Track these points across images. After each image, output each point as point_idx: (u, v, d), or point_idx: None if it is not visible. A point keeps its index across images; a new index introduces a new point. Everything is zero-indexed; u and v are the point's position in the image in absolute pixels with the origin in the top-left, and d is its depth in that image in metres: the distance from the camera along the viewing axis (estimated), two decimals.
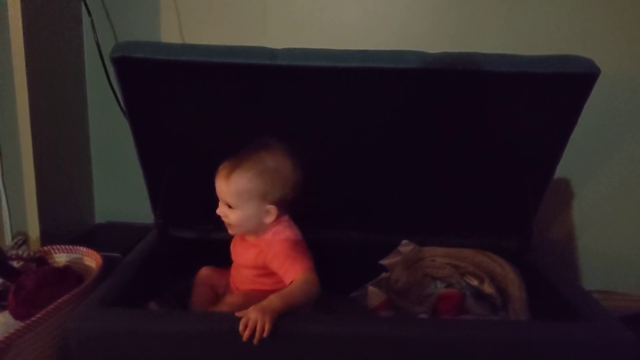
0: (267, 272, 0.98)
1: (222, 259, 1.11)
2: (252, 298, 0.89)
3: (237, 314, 0.81)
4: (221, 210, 1.00)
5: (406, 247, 1.19)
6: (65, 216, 1.39)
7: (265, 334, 0.78)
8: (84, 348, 0.83)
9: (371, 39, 1.36)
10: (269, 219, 0.97)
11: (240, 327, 0.79)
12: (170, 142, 1.11)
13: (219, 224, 1.18)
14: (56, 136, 1.33)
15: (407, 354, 0.83)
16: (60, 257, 1.17)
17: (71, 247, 1.17)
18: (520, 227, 1.19)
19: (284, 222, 1.00)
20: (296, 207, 1.12)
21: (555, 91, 0.99)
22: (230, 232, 1.02)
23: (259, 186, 0.95)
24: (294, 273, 0.91)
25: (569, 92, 0.98)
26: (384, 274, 1.19)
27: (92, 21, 1.32)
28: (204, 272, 1.09)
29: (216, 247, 1.19)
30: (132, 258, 1.09)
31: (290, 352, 0.83)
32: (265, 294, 0.87)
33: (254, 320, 0.78)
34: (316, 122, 1.04)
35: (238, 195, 0.95)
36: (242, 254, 1.02)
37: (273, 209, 0.97)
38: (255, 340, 0.78)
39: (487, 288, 1.07)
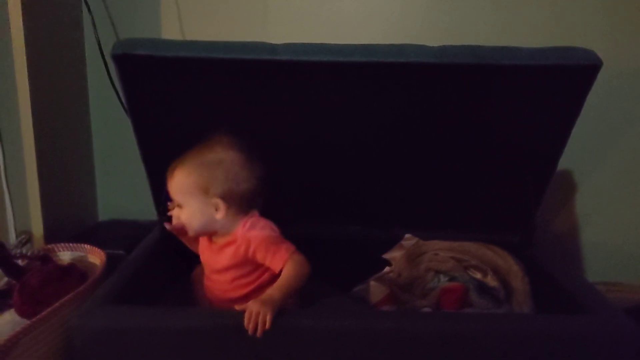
0: (246, 271, 0.96)
1: None
2: None
3: (238, 308, 0.81)
4: (174, 212, 0.99)
5: (409, 241, 1.19)
6: (68, 214, 1.39)
7: (267, 326, 0.78)
8: (89, 345, 0.84)
9: (371, 33, 1.36)
10: (219, 215, 0.95)
11: (245, 322, 0.79)
12: (172, 138, 1.11)
13: None
14: (58, 135, 1.34)
15: (411, 348, 0.83)
16: (64, 255, 1.17)
17: (75, 245, 1.18)
18: (523, 221, 1.18)
19: (254, 218, 0.97)
20: (300, 202, 1.12)
21: (556, 83, 0.99)
22: (189, 234, 1.00)
23: (197, 179, 0.94)
24: (281, 259, 0.91)
25: (570, 84, 0.98)
26: (386, 268, 1.19)
27: (92, 19, 1.32)
28: (200, 270, 1.08)
29: None
30: (135, 255, 1.09)
31: (293, 348, 0.83)
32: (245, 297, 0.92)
33: (256, 313, 0.79)
34: (318, 117, 1.04)
35: (181, 192, 0.95)
36: (215, 258, 0.99)
37: (220, 203, 0.94)
38: (258, 333, 0.79)
39: (491, 281, 1.07)
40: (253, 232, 0.95)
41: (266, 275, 0.96)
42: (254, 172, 0.96)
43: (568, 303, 0.96)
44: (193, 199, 0.95)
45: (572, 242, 1.49)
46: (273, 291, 0.84)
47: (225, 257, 0.97)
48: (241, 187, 0.95)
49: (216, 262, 0.99)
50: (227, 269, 0.97)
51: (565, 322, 0.85)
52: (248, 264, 0.96)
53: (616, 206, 1.46)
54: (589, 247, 1.49)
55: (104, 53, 1.33)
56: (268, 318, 0.79)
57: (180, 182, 0.95)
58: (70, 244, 1.18)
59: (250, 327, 0.79)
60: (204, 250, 1.02)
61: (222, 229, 0.97)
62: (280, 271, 0.91)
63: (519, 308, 1.02)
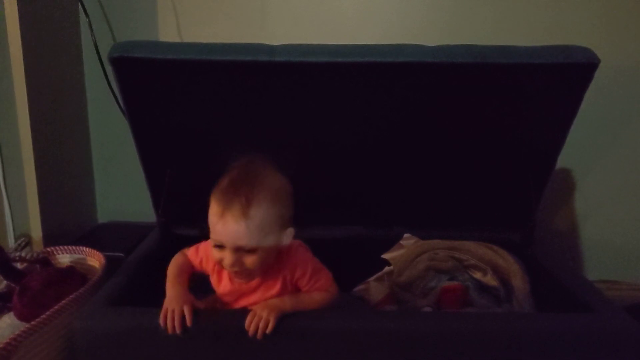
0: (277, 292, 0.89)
1: None
2: None
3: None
4: (235, 261, 0.80)
5: (408, 240, 1.19)
6: (67, 217, 1.39)
7: (268, 331, 0.78)
8: (90, 347, 0.84)
9: (370, 32, 1.36)
10: (286, 242, 0.86)
11: (247, 323, 0.79)
12: (170, 140, 1.11)
13: None
14: (57, 137, 1.33)
15: (411, 349, 0.83)
16: (64, 257, 1.17)
17: (74, 247, 1.18)
18: (523, 220, 1.18)
19: (294, 240, 0.90)
20: (299, 203, 1.12)
21: (555, 82, 0.99)
22: (243, 280, 0.88)
23: (280, 211, 0.82)
24: (321, 287, 0.89)
25: (568, 82, 0.98)
26: (386, 268, 1.19)
27: (89, 22, 1.32)
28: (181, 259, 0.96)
29: None
30: (135, 257, 1.09)
31: (294, 348, 0.83)
32: None
33: (259, 317, 0.79)
34: (316, 118, 1.04)
35: (262, 231, 0.79)
36: (249, 296, 0.89)
37: (291, 231, 0.86)
38: (258, 336, 0.79)
39: (491, 280, 1.07)
40: (300, 258, 0.88)
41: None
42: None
43: (568, 301, 0.96)
44: (272, 236, 0.81)
45: (571, 240, 1.49)
46: (289, 299, 0.84)
47: (271, 291, 0.87)
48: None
49: (252, 299, 0.89)
50: (260, 300, 0.88)
51: (566, 321, 0.86)
52: (287, 289, 0.88)
53: (616, 204, 1.46)
54: (588, 245, 1.50)
55: (102, 56, 1.32)
56: (270, 324, 0.79)
57: (262, 220, 0.78)
58: (70, 247, 1.18)
59: (250, 330, 0.79)
60: (226, 287, 0.90)
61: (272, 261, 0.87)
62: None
63: (519, 307, 1.02)
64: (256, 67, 0.94)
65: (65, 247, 1.18)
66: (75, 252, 1.17)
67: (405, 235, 1.20)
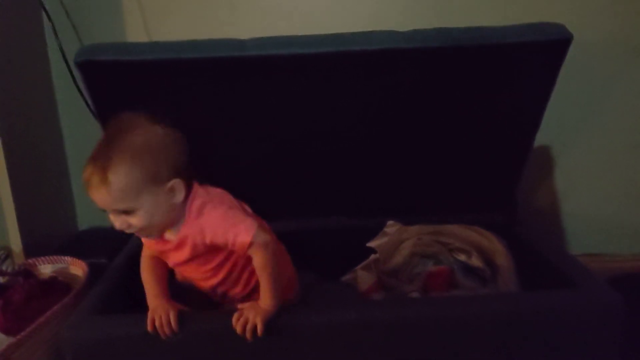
0: (213, 256, 0.87)
1: None
2: None
3: (240, 306, 0.82)
4: (121, 223, 0.80)
5: (392, 227, 1.19)
6: (46, 226, 1.37)
7: (259, 333, 0.78)
8: (81, 356, 0.83)
9: (340, 21, 1.34)
10: (180, 196, 0.82)
11: (233, 322, 0.80)
12: None
13: None
14: (29, 145, 1.31)
15: (400, 335, 0.84)
16: (46, 268, 1.16)
17: (55, 257, 1.17)
18: (505, 200, 1.20)
19: (199, 192, 0.86)
20: (279, 196, 1.11)
21: (529, 60, 0.99)
22: (147, 237, 0.88)
23: (142, 171, 0.77)
24: (243, 244, 0.82)
25: (543, 59, 0.98)
26: (372, 256, 1.19)
27: (53, 26, 1.29)
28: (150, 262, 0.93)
29: None
30: (118, 263, 1.08)
31: (285, 343, 0.83)
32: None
33: (245, 318, 0.79)
34: (291, 110, 1.03)
35: (126, 195, 0.77)
36: (173, 255, 0.88)
37: (177, 183, 0.81)
38: (248, 338, 0.79)
39: (475, 261, 1.08)
40: (203, 218, 0.84)
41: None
42: (178, 138, 0.83)
43: (553, 277, 0.97)
44: (144, 196, 0.78)
45: (554, 217, 1.51)
46: (267, 301, 0.82)
47: (183, 254, 0.86)
48: (182, 157, 0.82)
49: (175, 257, 0.88)
50: (188, 261, 0.87)
51: (550, 298, 0.87)
52: (212, 251, 0.86)
53: (595, 178, 1.47)
54: (570, 220, 1.51)
55: (68, 60, 1.29)
56: (259, 327, 0.78)
57: (122, 184, 0.76)
58: (51, 257, 1.17)
59: (237, 329, 0.79)
60: (157, 248, 0.89)
61: (179, 216, 0.84)
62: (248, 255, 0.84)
63: (505, 286, 1.03)
64: (228, 62, 0.93)
65: (47, 257, 1.17)
66: (57, 262, 1.16)
67: (389, 222, 1.21)
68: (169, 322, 0.80)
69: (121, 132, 0.79)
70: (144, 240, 0.91)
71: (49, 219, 1.39)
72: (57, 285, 1.07)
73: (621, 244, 1.50)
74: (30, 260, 1.16)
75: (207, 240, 0.84)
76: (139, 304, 1.00)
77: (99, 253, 1.22)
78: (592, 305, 0.85)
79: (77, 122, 1.40)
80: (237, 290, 0.93)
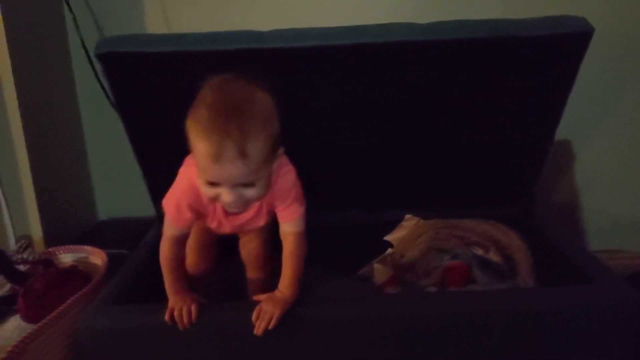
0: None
1: (228, 248, 1.11)
2: None
3: (256, 298, 0.83)
4: (237, 197, 0.76)
5: (410, 221, 1.19)
6: (67, 216, 1.39)
7: (271, 326, 0.79)
8: (97, 347, 0.84)
9: (358, 13, 1.33)
10: (276, 163, 0.81)
11: (253, 318, 0.80)
12: (164, 133, 1.10)
13: None
14: (50, 136, 1.33)
15: (417, 330, 0.84)
16: (66, 257, 1.17)
17: (76, 246, 1.18)
18: (523, 194, 1.18)
19: (282, 157, 0.84)
20: None
21: (550, 53, 0.98)
22: (242, 211, 0.85)
23: (271, 142, 0.75)
24: (291, 215, 0.85)
25: (564, 53, 0.97)
26: (389, 250, 1.19)
27: (74, 18, 1.30)
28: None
29: (221, 235, 1.19)
30: (137, 254, 1.09)
31: (298, 336, 0.84)
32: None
33: (264, 312, 0.80)
34: (310, 103, 1.03)
35: (261, 167, 0.74)
36: (248, 221, 0.88)
37: (280, 151, 0.81)
38: (260, 331, 0.79)
39: (493, 256, 1.07)
40: (284, 185, 0.84)
41: None
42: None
43: (571, 273, 0.96)
44: (269, 163, 0.77)
45: (572, 212, 1.49)
46: (286, 290, 0.83)
47: (262, 216, 0.88)
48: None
49: (253, 223, 0.89)
50: (263, 224, 0.91)
51: (568, 294, 0.86)
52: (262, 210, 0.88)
53: (615, 174, 1.45)
54: (589, 216, 1.49)
55: (89, 52, 1.30)
56: (275, 318, 0.79)
57: (260, 156, 0.73)
58: (71, 246, 1.18)
59: (257, 325, 0.79)
60: (222, 218, 0.88)
61: None
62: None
63: (523, 282, 1.02)
64: (247, 54, 0.93)
65: (67, 246, 1.18)
66: (77, 251, 1.18)
67: (407, 216, 1.20)
68: (189, 313, 0.80)
69: (243, 102, 0.74)
70: (178, 222, 0.87)
71: (69, 209, 1.41)
72: (77, 275, 1.08)
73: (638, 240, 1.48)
74: (50, 249, 1.18)
75: (275, 205, 0.86)
76: (158, 295, 1.02)
77: (118, 244, 1.24)
78: (610, 302, 0.84)
79: (97, 113, 1.42)
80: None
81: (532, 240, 1.10)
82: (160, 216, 1.21)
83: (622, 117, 1.39)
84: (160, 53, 0.92)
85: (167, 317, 0.81)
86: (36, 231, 1.27)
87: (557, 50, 0.97)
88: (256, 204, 0.86)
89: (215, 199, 0.78)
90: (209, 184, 0.76)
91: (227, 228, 0.90)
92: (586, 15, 0.95)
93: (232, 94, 0.75)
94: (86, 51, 1.29)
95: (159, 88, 1.01)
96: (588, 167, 1.45)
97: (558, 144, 1.35)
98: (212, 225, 0.90)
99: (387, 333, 0.84)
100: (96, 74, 1.28)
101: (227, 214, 0.87)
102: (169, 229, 0.87)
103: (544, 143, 1.11)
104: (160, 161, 1.13)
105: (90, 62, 1.29)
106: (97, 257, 1.15)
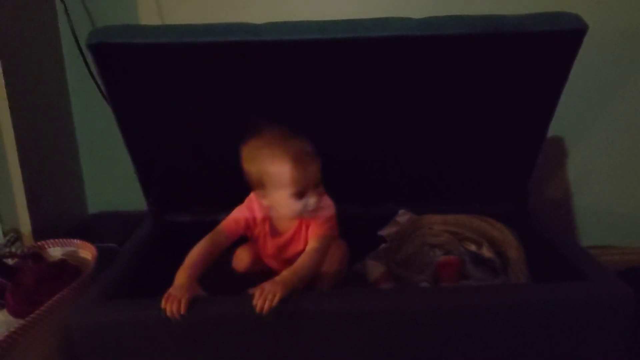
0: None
1: None
2: None
3: (251, 291, 0.83)
4: (317, 198, 0.95)
5: (403, 216, 1.19)
6: (56, 209, 1.37)
7: (273, 303, 0.79)
8: (88, 342, 0.83)
9: (355, 7, 1.33)
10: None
11: (255, 299, 0.80)
12: (156, 126, 1.09)
13: (216, 206, 1.17)
14: (39, 128, 1.30)
15: (410, 325, 0.84)
16: (55, 251, 1.16)
17: (65, 240, 1.16)
18: (516, 190, 1.19)
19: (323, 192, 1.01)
20: None
21: (543, 50, 0.98)
22: (310, 215, 0.98)
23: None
24: (315, 230, 0.97)
25: (557, 49, 0.97)
26: (382, 245, 1.19)
27: (65, 8, 1.28)
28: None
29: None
30: (129, 248, 1.08)
31: (294, 330, 0.83)
32: None
33: (267, 291, 0.80)
34: (304, 96, 1.02)
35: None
36: (289, 241, 1.02)
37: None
38: (265, 309, 0.79)
39: (486, 252, 1.07)
40: (326, 201, 1.01)
41: None
42: None
43: (564, 269, 0.97)
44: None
45: (565, 208, 1.50)
46: (288, 273, 0.86)
47: (301, 243, 1.00)
48: None
49: (293, 250, 1.01)
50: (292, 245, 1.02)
51: (560, 290, 0.87)
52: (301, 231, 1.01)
53: (607, 170, 1.46)
54: (582, 212, 1.50)
55: (80, 42, 1.29)
56: (277, 297, 0.80)
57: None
58: (60, 240, 1.16)
59: (258, 304, 0.79)
60: (267, 245, 1.03)
61: None
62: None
63: (515, 278, 1.03)
64: (242, 47, 0.92)
65: (56, 240, 1.16)
66: (66, 245, 1.16)
67: (400, 211, 1.20)
68: (179, 305, 0.81)
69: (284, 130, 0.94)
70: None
71: (59, 202, 1.39)
72: (67, 269, 1.07)
73: (633, 237, 1.49)
74: (39, 243, 1.16)
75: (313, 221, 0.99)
76: (149, 290, 1.00)
77: (108, 237, 1.22)
78: (602, 297, 0.85)
79: (88, 104, 1.40)
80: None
81: (525, 236, 1.10)
82: (152, 210, 1.21)
83: (615, 115, 1.40)
84: (153, 44, 0.91)
85: (162, 302, 0.82)
86: (25, 225, 1.25)
87: (551, 47, 0.97)
88: (295, 224, 1.00)
89: (302, 211, 0.94)
90: (296, 197, 0.92)
91: (270, 249, 1.03)
92: (580, 12, 0.95)
93: (278, 131, 0.94)
94: (77, 41, 1.27)
95: (151, 80, 1.00)
96: (580, 163, 1.46)
97: (551, 140, 1.36)
98: (259, 244, 1.04)
99: (380, 328, 0.84)
100: (87, 64, 1.27)
101: (272, 234, 1.01)
102: (215, 233, 0.99)
103: (537, 139, 1.12)
104: (153, 154, 1.13)
105: (82, 52, 1.27)
106: (87, 251, 1.13)
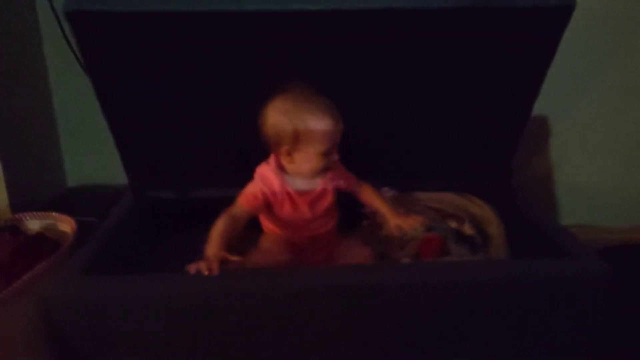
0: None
1: (204, 218, 1.09)
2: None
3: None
4: (335, 153, 0.99)
5: (387, 193, 1.19)
6: (34, 182, 1.34)
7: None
8: (66, 317, 0.82)
9: None
10: None
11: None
12: (137, 98, 1.06)
13: (198, 182, 1.16)
14: (15, 99, 1.27)
15: (391, 300, 0.84)
16: (34, 224, 1.14)
17: (43, 213, 1.14)
18: (500, 167, 1.19)
19: None
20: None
21: (530, 26, 0.97)
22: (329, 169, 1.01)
23: None
24: (352, 178, 1.08)
25: (545, 26, 0.97)
26: (365, 222, 1.19)
27: None
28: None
29: (197, 206, 1.18)
30: (108, 222, 1.07)
31: (275, 307, 0.83)
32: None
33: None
34: (286, 67, 1.00)
35: None
36: (319, 196, 1.02)
37: None
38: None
39: (468, 229, 1.08)
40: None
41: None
42: None
43: (544, 247, 0.98)
44: None
45: (547, 187, 1.52)
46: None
47: (329, 194, 1.03)
48: None
49: (321, 205, 1.03)
50: (330, 206, 1.04)
51: (539, 266, 0.87)
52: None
53: (589, 150, 1.48)
54: (563, 191, 1.52)
55: (57, 10, 1.24)
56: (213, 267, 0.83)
57: None
58: (39, 213, 1.15)
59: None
60: (304, 206, 1.01)
61: None
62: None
63: (495, 254, 1.04)
64: (224, 17, 0.90)
65: (35, 212, 1.15)
66: (45, 218, 1.14)
67: (384, 189, 1.20)
68: (209, 266, 0.83)
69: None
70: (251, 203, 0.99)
71: (37, 175, 1.36)
72: (45, 242, 1.05)
73: (612, 216, 1.52)
74: (17, 216, 1.14)
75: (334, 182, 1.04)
76: (128, 265, 1.00)
77: (88, 211, 1.20)
78: (580, 273, 0.86)
79: (66, 74, 1.36)
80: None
81: (507, 213, 1.11)
82: (132, 185, 1.19)
83: (599, 94, 1.41)
84: (133, 13, 0.88)
85: (191, 270, 0.83)
86: (2, 197, 1.23)
87: (538, 23, 0.96)
88: (319, 180, 1.02)
89: (323, 168, 0.98)
90: (325, 153, 0.95)
91: (304, 207, 1.01)
92: None
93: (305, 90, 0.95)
94: (53, 8, 1.23)
95: (132, 50, 0.97)
96: (563, 142, 1.47)
97: (535, 118, 1.37)
98: (287, 210, 1.00)
99: (360, 303, 0.84)
100: (64, 33, 1.23)
101: (300, 193, 1.00)
102: (234, 208, 0.97)
103: (522, 116, 1.12)
104: (133, 126, 1.10)
105: (59, 20, 1.23)
106: (66, 224, 1.11)
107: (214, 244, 0.89)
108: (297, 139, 0.93)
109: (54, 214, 1.14)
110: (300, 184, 1.00)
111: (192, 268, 0.83)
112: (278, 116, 0.93)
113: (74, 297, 0.82)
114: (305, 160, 0.96)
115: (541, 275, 0.86)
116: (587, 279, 0.86)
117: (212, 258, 0.84)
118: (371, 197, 1.08)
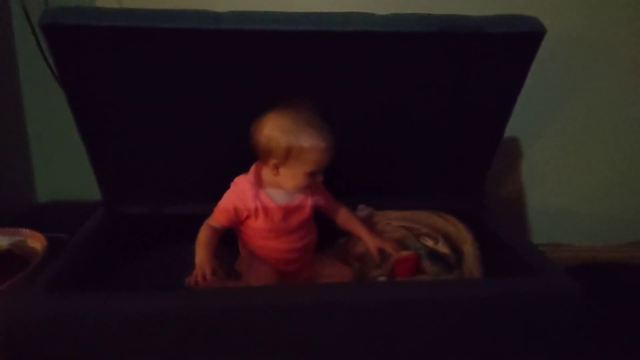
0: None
1: (176, 235, 1.08)
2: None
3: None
4: (320, 174, 1.00)
5: (363, 211, 1.20)
6: (3, 197, 1.31)
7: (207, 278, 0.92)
8: (31, 335, 0.80)
9: (323, 3, 1.31)
10: None
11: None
12: (111, 113, 1.05)
13: (172, 198, 1.14)
14: None
15: (364, 319, 0.85)
16: (2, 240, 1.11)
17: (12, 229, 1.12)
18: (472, 188, 1.21)
19: None
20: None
21: (501, 51, 1.00)
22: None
23: None
24: (332, 199, 1.12)
25: (515, 51, 1.00)
26: (341, 239, 1.19)
27: None
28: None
29: (169, 222, 1.17)
30: (79, 238, 1.04)
31: (249, 325, 0.83)
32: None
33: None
34: (263, 87, 1.01)
35: None
36: (292, 214, 1.04)
37: None
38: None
39: (442, 248, 1.09)
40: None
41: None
42: None
43: (515, 265, 0.99)
44: None
45: (518, 207, 1.54)
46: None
47: (308, 208, 1.05)
48: None
49: (300, 216, 1.04)
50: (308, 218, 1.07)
51: (510, 284, 0.89)
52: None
53: (559, 171, 1.51)
54: (534, 210, 1.55)
55: (33, 23, 1.23)
56: (207, 272, 0.93)
57: None
58: (8, 229, 1.12)
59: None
60: (277, 217, 1.02)
61: None
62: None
63: (469, 273, 1.05)
64: (201, 35, 0.90)
65: (3, 229, 1.12)
66: (14, 234, 1.12)
67: (360, 206, 1.21)
68: (204, 275, 0.93)
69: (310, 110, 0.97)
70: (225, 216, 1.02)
71: (6, 189, 1.33)
72: (14, 259, 1.03)
73: (582, 235, 1.56)
74: None
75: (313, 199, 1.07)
76: (98, 282, 0.98)
77: (58, 227, 1.17)
78: (549, 291, 0.88)
79: (39, 88, 1.34)
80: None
81: (480, 233, 1.12)
82: (105, 200, 1.17)
83: (569, 117, 1.45)
84: (109, 27, 0.87)
85: (191, 281, 0.93)
86: None
87: (509, 49, 0.99)
88: (300, 196, 1.04)
89: (306, 187, 1.01)
90: (312, 174, 0.97)
91: (277, 217, 1.02)
92: (538, 16, 0.97)
93: (306, 110, 0.97)
94: (29, 22, 1.22)
95: (107, 65, 0.96)
96: (534, 164, 1.50)
97: (506, 140, 1.39)
98: (261, 220, 1.01)
99: (336, 321, 0.84)
100: (40, 46, 1.21)
101: (275, 204, 1.01)
102: (212, 221, 1.02)
103: (494, 138, 1.14)
104: (107, 141, 1.09)
105: (34, 32, 1.21)
106: (35, 241, 1.09)
107: (202, 255, 0.96)
108: (288, 155, 0.94)
109: (23, 230, 1.11)
110: (277, 195, 1.02)
111: (191, 281, 0.92)
112: (275, 130, 0.94)
113: (39, 315, 0.80)
114: (291, 176, 0.98)
115: (511, 293, 0.87)
116: (555, 296, 0.88)
117: (203, 267, 0.93)
118: (348, 220, 1.11)
